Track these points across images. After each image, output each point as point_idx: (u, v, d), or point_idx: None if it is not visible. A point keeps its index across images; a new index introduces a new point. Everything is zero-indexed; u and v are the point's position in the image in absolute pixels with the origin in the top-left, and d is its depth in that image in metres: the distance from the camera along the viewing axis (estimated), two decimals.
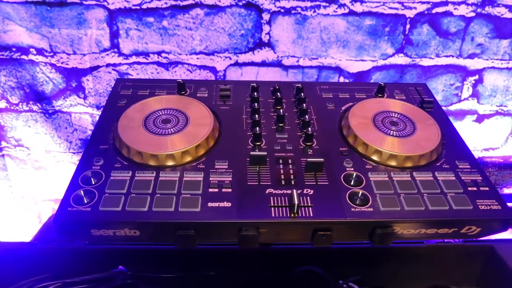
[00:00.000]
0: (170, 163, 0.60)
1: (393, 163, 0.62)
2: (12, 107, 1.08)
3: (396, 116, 0.71)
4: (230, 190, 0.57)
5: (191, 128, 0.65)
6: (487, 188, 0.60)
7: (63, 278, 0.69)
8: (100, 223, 0.53)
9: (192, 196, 0.56)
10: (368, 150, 0.64)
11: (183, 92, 0.76)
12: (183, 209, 0.54)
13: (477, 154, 1.24)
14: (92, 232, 0.54)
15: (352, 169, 0.61)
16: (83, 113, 1.10)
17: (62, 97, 1.07)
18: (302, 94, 0.76)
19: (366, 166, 0.62)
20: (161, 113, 0.68)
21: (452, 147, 0.67)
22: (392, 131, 0.67)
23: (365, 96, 0.78)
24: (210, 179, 0.58)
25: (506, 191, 1.33)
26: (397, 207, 0.56)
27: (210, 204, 0.55)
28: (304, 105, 0.72)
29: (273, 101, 0.75)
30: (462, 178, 0.61)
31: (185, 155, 0.61)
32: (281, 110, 0.71)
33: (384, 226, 0.55)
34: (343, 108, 0.74)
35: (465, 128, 1.19)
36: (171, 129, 0.65)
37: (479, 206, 0.57)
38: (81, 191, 0.55)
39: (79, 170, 0.59)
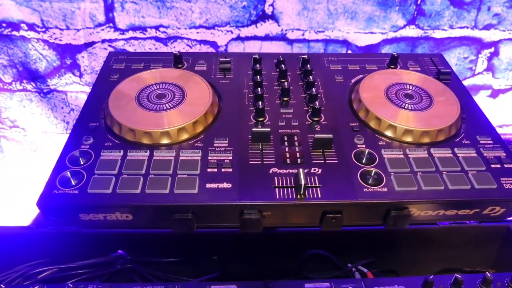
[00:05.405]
0: (165, 141, 0.58)
1: (408, 139, 0.60)
2: (5, 87, 1.06)
3: (411, 88, 0.68)
4: (230, 170, 0.54)
5: (188, 103, 0.62)
6: None
7: (60, 264, 0.68)
8: (89, 207, 0.50)
9: (189, 176, 0.53)
10: (381, 125, 0.61)
11: (180, 66, 0.74)
12: (179, 191, 0.51)
13: None
14: (81, 217, 0.51)
15: (364, 146, 0.58)
16: (79, 92, 1.09)
17: (57, 75, 1.05)
18: (309, 66, 0.73)
19: (379, 143, 0.59)
20: (155, 88, 0.66)
21: (472, 121, 0.64)
22: (407, 104, 0.64)
23: (376, 68, 0.75)
24: (209, 158, 0.55)
25: None
26: (413, 186, 0.53)
27: (208, 185, 0.52)
28: (311, 77, 0.69)
29: (277, 74, 0.72)
30: (484, 154, 0.58)
31: (181, 133, 0.58)
32: (286, 83, 0.68)
33: (399, 207, 0.52)
34: (353, 80, 0.71)
35: (479, 104, 1.15)
36: (167, 105, 0.62)
37: (504, 185, 0.54)
38: (68, 172, 0.53)
39: (67, 150, 0.56)
